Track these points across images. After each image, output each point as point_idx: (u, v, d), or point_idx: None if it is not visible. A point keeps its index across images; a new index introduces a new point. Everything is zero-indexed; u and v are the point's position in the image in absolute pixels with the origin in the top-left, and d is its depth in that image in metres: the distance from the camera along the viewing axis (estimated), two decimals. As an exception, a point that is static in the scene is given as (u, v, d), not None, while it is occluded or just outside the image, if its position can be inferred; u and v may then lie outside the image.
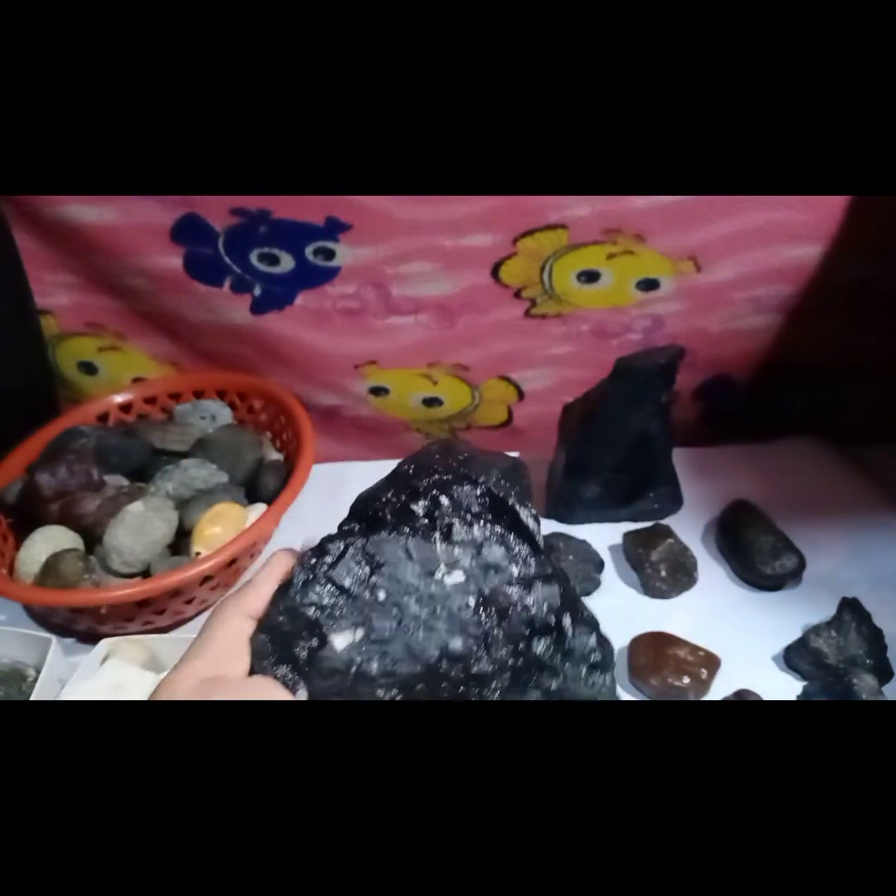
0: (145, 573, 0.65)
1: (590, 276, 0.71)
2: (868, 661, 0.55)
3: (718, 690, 0.57)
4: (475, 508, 0.32)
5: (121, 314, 0.78)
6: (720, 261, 0.70)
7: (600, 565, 0.66)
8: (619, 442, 0.68)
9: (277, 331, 0.76)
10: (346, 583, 0.31)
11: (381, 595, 0.31)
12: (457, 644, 0.31)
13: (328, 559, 0.32)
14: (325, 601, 0.31)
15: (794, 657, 0.58)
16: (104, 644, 0.58)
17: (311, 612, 0.31)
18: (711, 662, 0.57)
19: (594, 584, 0.65)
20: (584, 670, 0.33)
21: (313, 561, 0.32)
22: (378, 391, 0.80)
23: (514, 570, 0.32)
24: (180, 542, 0.67)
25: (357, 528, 0.33)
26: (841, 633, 0.56)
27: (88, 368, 0.82)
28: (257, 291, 0.74)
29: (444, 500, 0.32)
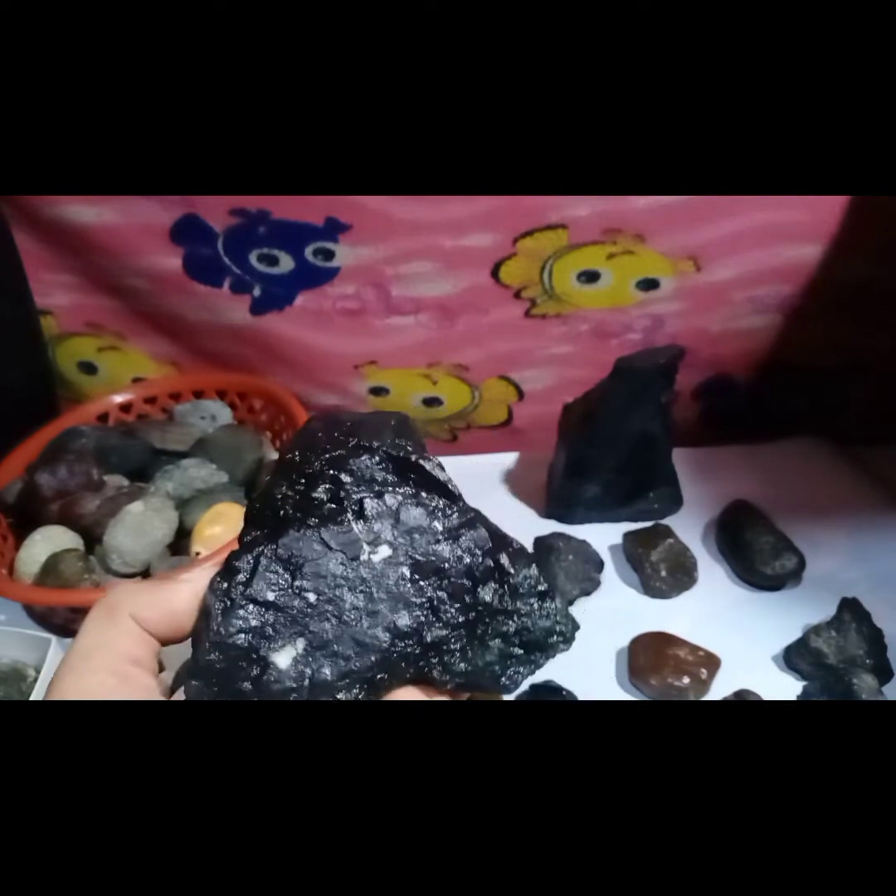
0: (145, 573, 0.65)
1: (590, 276, 0.71)
2: (868, 661, 0.56)
3: (718, 690, 0.57)
4: (379, 476, 0.30)
5: (121, 314, 0.78)
6: (720, 261, 0.70)
7: (600, 565, 0.66)
8: (620, 442, 0.68)
9: (277, 331, 0.76)
10: (269, 596, 0.28)
11: (312, 597, 0.29)
12: (404, 620, 0.29)
13: (240, 578, 0.29)
14: (253, 623, 0.28)
15: (794, 657, 0.58)
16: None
17: (240, 639, 0.28)
18: (711, 662, 0.57)
19: (594, 584, 0.65)
20: (535, 602, 0.31)
21: (225, 585, 0.29)
22: (378, 391, 0.80)
23: (438, 526, 0.30)
24: (180, 542, 0.67)
25: (260, 534, 0.30)
26: (841, 633, 0.56)
27: (88, 368, 0.82)
28: (257, 292, 0.74)
29: (345, 477, 0.30)
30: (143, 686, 0.27)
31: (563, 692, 0.56)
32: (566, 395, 0.72)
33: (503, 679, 0.30)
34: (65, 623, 0.64)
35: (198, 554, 0.64)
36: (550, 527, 0.70)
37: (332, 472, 0.30)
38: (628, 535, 0.68)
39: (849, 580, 0.63)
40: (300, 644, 0.28)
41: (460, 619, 0.30)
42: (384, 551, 0.29)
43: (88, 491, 0.68)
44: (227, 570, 0.29)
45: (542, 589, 0.31)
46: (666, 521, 0.70)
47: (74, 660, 0.28)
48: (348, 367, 0.78)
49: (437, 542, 0.30)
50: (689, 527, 0.70)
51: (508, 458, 0.81)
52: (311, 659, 0.28)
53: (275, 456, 0.76)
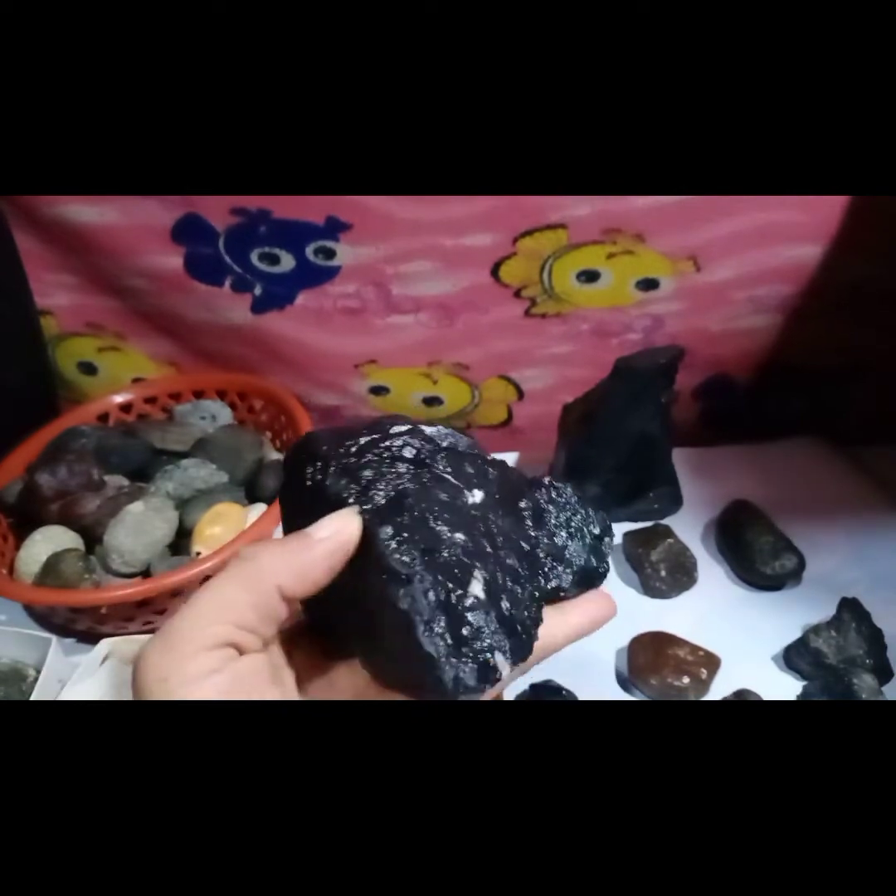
0: (145, 573, 0.65)
1: (590, 276, 0.71)
2: (868, 660, 0.56)
3: (718, 690, 0.57)
4: (416, 446, 0.31)
5: (121, 314, 0.78)
6: (720, 261, 0.70)
7: (600, 565, 0.66)
8: (620, 442, 0.68)
9: (278, 330, 0.76)
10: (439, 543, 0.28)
11: (460, 537, 0.28)
12: (522, 543, 0.31)
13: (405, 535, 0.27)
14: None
15: (794, 657, 0.58)
16: (104, 644, 0.58)
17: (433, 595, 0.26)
18: (711, 662, 0.57)
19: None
20: (580, 506, 0.33)
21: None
22: (378, 390, 0.80)
23: (489, 470, 0.32)
24: (180, 542, 0.67)
25: (370, 508, 0.28)
26: (841, 633, 0.57)
27: (88, 368, 0.82)
28: (258, 291, 0.74)
29: (404, 449, 0.30)
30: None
31: (563, 692, 0.56)
32: (566, 394, 0.72)
33: (599, 567, 0.32)
34: (65, 623, 0.64)
35: (198, 554, 0.64)
36: (550, 527, 0.70)
37: (385, 446, 0.30)
38: (628, 535, 0.68)
39: (848, 580, 0.63)
40: (479, 575, 0.28)
41: (550, 528, 0.32)
42: (478, 494, 0.30)
43: (89, 491, 0.68)
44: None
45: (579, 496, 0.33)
46: (666, 521, 0.70)
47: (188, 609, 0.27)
48: (349, 366, 0.78)
49: (494, 481, 0.31)
50: (688, 527, 0.70)
51: (508, 458, 0.80)
52: (494, 586, 0.28)
53: (275, 456, 0.76)
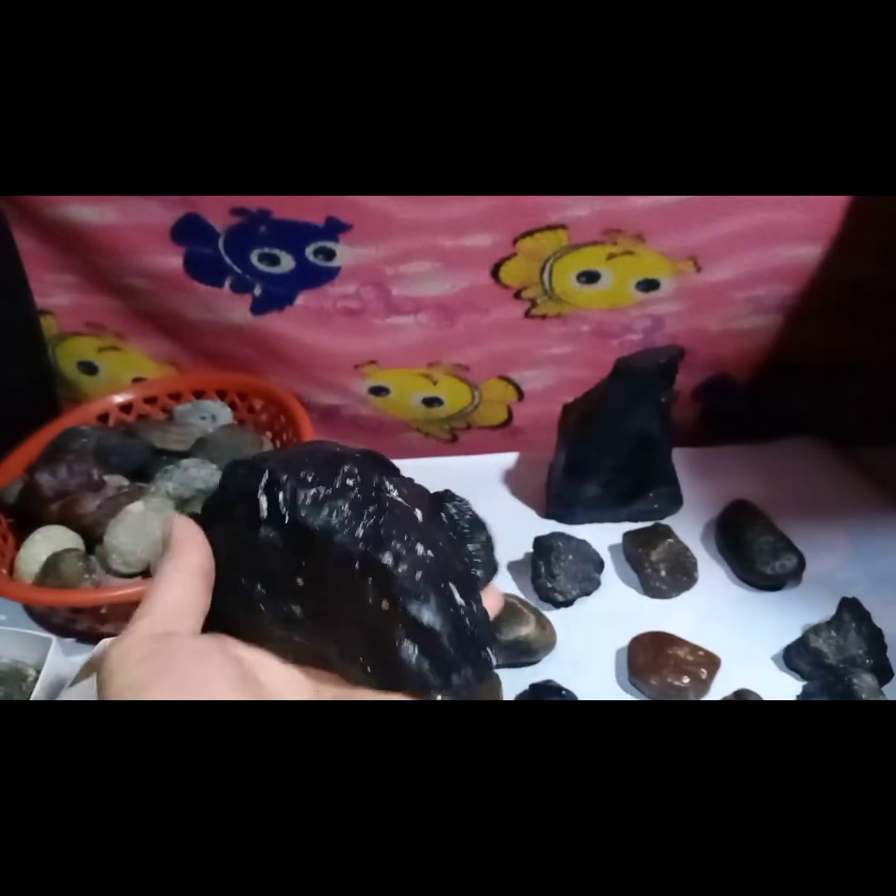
0: (145, 573, 0.65)
1: (590, 277, 0.71)
2: (868, 660, 0.56)
3: (718, 690, 0.57)
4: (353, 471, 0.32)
5: (121, 314, 0.78)
6: (720, 261, 0.70)
7: (600, 565, 0.66)
8: (619, 442, 0.68)
9: (278, 331, 0.76)
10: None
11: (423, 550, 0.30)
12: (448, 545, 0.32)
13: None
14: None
15: (794, 657, 0.58)
16: (104, 644, 0.58)
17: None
18: (711, 662, 0.57)
19: (594, 584, 0.65)
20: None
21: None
22: (378, 391, 0.80)
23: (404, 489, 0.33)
24: (180, 542, 0.67)
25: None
26: (840, 633, 0.57)
27: (88, 368, 0.82)
28: (258, 291, 0.74)
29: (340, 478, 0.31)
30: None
31: (563, 692, 0.56)
32: (566, 395, 0.72)
33: (495, 566, 0.34)
34: (65, 623, 0.64)
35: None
36: (550, 527, 0.70)
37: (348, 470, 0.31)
38: (628, 535, 0.68)
39: (848, 580, 0.63)
40: (453, 586, 0.30)
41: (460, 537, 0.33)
42: (418, 512, 0.31)
43: (89, 491, 0.68)
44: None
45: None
46: (666, 521, 0.70)
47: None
48: (349, 366, 0.78)
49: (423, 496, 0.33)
50: (688, 527, 0.70)
51: (508, 458, 0.80)
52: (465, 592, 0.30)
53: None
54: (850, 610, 0.57)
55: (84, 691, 0.55)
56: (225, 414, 0.79)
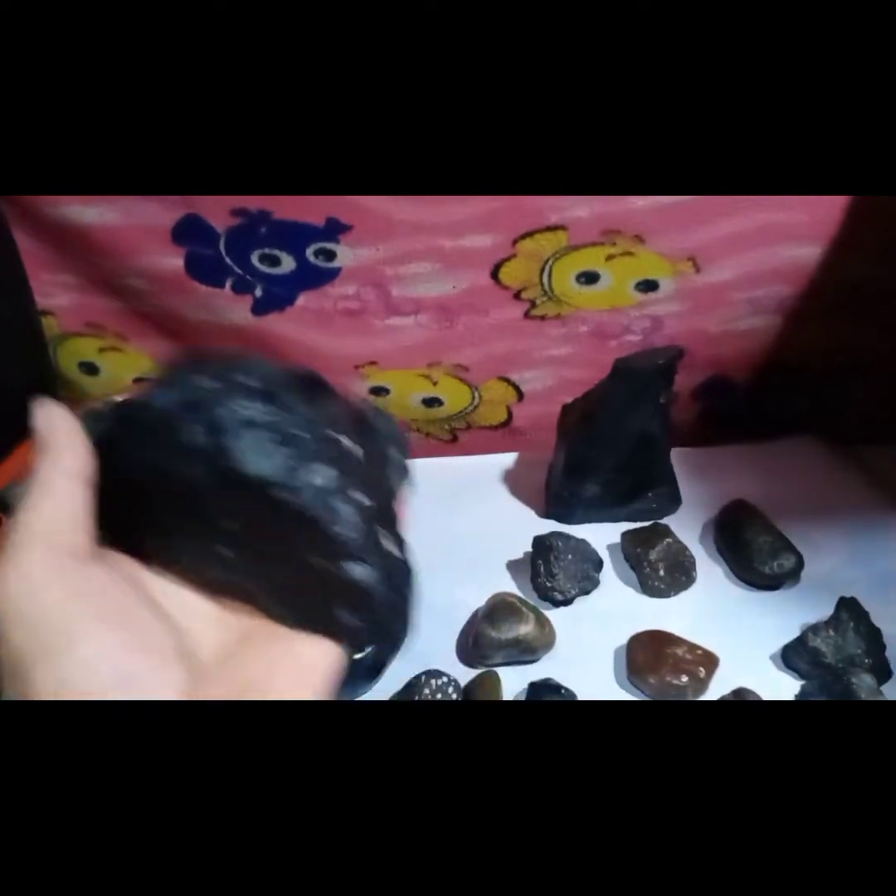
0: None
1: (589, 278, 0.71)
2: (866, 660, 0.56)
3: (717, 689, 0.57)
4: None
5: (122, 315, 0.78)
6: (719, 261, 0.70)
7: (599, 564, 0.67)
8: (619, 442, 0.68)
9: (278, 331, 0.76)
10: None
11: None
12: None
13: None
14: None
15: (793, 656, 0.58)
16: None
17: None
18: (710, 661, 0.57)
19: (593, 584, 0.66)
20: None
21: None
22: (378, 391, 0.80)
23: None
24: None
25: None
26: (839, 633, 0.57)
27: (89, 369, 0.82)
28: (258, 292, 0.74)
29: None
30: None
31: (562, 691, 0.56)
32: (566, 395, 0.72)
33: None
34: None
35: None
36: (550, 526, 0.70)
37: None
38: (627, 535, 0.68)
39: (847, 579, 0.63)
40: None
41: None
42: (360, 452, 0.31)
43: (89, 490, 0.68)
44: None
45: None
46: (665, 521, 0.70)
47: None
48: (349, 367, 0.78)
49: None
50: (687, 526, 0.70)
51: (508, 459, 0.81)
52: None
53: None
54: (849, 609, 0.57)
55: None
56: (225, 414, 0.79)
